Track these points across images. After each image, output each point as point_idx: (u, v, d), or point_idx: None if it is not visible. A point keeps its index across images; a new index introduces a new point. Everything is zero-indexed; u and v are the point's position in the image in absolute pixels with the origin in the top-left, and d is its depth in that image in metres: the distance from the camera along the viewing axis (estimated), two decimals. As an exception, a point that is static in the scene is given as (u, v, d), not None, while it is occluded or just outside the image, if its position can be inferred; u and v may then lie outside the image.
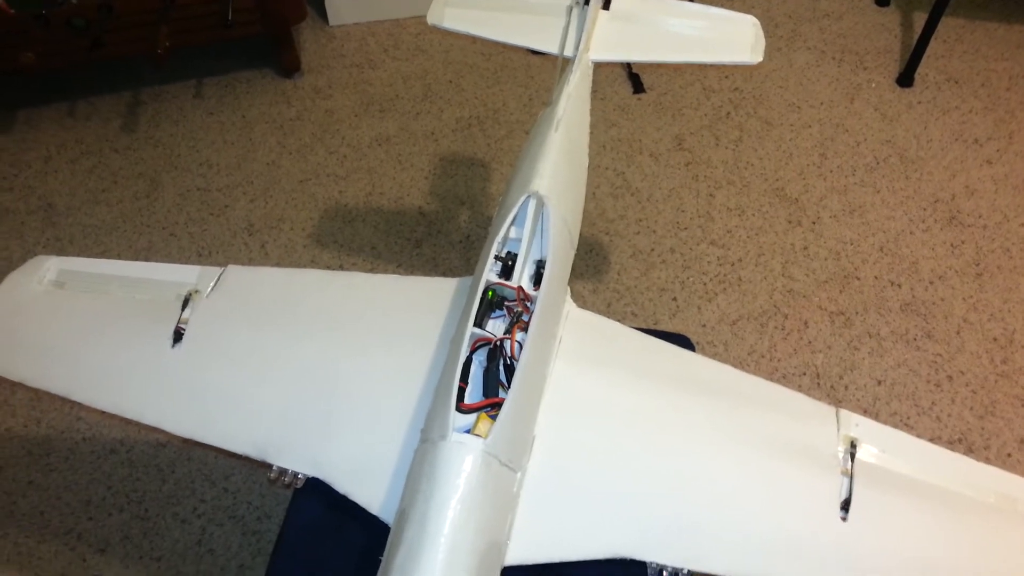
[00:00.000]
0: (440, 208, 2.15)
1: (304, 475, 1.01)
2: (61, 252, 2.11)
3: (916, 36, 2.41)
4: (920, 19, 2.49)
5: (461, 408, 0.90)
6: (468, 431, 0.89)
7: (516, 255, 1.03)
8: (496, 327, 1.00)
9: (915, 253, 1.98)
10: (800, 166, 2.20)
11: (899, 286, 1.92)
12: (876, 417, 1.69)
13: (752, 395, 1.07)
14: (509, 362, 0.95)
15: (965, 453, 1.62)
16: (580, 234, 2.05)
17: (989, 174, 2.15)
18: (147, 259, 2.08)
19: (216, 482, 1.67)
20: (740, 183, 2.17)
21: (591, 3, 1.28)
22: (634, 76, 2.46)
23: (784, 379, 1.76)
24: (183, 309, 1.12)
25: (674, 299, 1.92)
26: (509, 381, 0.92)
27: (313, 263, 2.05)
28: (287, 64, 2.52)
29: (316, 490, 1.01)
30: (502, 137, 2.32)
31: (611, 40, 1.29)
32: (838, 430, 1.03)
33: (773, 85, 2.44)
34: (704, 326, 1.86)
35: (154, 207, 2.21)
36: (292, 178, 2.25)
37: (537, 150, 1.10)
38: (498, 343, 0.96)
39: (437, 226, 2.11)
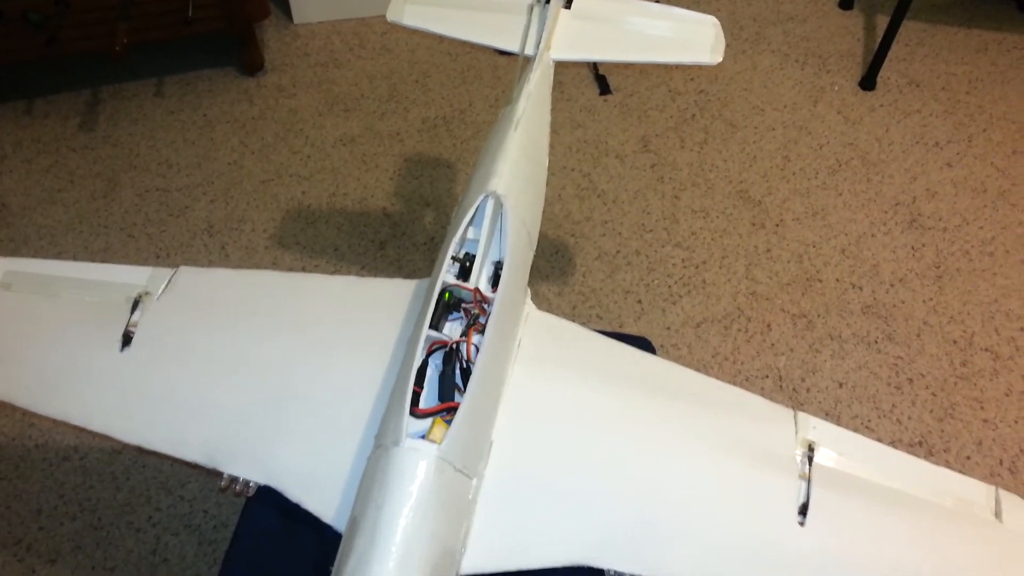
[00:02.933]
0: (405, 209, 2.13)
1: (256, 483, 0.98)
2: (15, 253, 2.06)
3: (879, 39, 2.44)
4: (883, 23, 2.52)
5: (415, 413, 0.88)
6: (423, 436, 0.87)
7: (474, 256, 1.02)
8: (453, 329, 0.98)
9: (876, 256, 2.00)
10: (764, 168, 2.21)
11: (860, 288, 1.93)
12: (837, 420, 1.71)
13: (711, 398, 1.07)
14: (465, 365, 0.94)
15: (925, 456, 1.64)
16: (546, 236, 2.06)
17: (949, 177, 2.18)
18: (104, 261, 2.03)
19: (172, 490, 1.64)
20: (705, 185, 2.17)
21: (552, 2, 1.27)
22: (600, 77, 2.46)
23: (747, 381, 1.76)
24: (132, 311, 1.10)
25: (639, 301, 1.91)
26: (466, 385, 0.90)
27: (275, 264, 2.01)
28: (250, 62, 2.49)
29: (268, 498, 0.98)
30: (468, 138, 2.31)
31: (572, 39, 1.28)
32: (796, 433, 1.03)
33: (738, 87, 2.45)
34: (668, 328, 1.86)
35: (111, 207, 2.16)
36: (254, 178, 2.22)
37: (496, 149, 1.08)
38: (454, 346, 0.94)
39: (401, 227, 2.09)
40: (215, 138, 2.33)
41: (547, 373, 1.05)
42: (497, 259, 1.03)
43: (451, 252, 1.01)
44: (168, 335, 1.08)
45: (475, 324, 0.96)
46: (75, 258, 2.04)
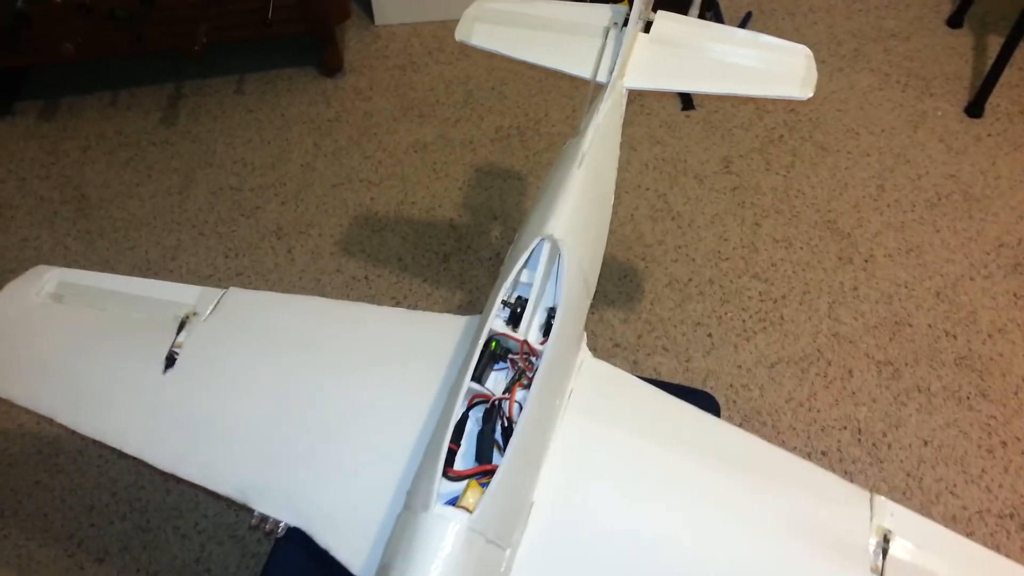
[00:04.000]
0: (472, 222, 2.08)
1: (286, 524, 0.94)
2: (91, 245, 2.10)
3: (990, 62, 2.25)
4: (995, 43, 2.33)
5: (449, 475, 0.82)
6: (455, 501, 0.81)
7: (526, 300, 0.95)
8: (499, 380, 0.92)
9: (974, 302, 1.84)
10: (855, 198, 2.07)
11: (955, 337, 1.78)
12: (920, 481, 1.58)
13: (779, 471, 0.98)
14: (507, 423, 0.87)
15: (1017, 530, 1.50)
16: (614, 258, 1.97)
17: (1062, 218, 2.00)
18: (175, 258, 2.05)
19: (220, 498, 1.62)
20: (789, 212, 2.05)
21: (630, 24, 1.18)
22: (684, 92, 2.35)
23: (823, 431, 1.65)
24: (179, 332, 1.08)
25: (709, 335, 1.81)
26: (507, 444, 0.84)
27: (339, 272, 1.99)
28: (329, 63, 2.48)
29: (298, 539, 0.95)
30: (541, 150, 2.24)
31: (649, 66, 1.19)
32: (871, 519, 0.93)
33: (831, 108, 2.31)
34: (740, 367, 1.75)
35: (186, 204, 2.18)
36: (325, 182, 2.20)
37: (557, 187, 1.02)
38: (496, 402, 0.88)
39: (467, 240, 2.04)
40: (290, 139, 2.32)
41: (598, 430, 0.98)
42: (551, 305, 0.97)
43: (502, 296, 0.95)
44: (212, 359, 1.06)
45: (520, 380, 0.90)
46: (147, 253, 2.07)
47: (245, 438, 0.99)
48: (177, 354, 1.06)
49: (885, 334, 1.79)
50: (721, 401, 1.70)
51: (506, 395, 0.88)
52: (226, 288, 1.12)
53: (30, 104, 2.45)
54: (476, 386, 0.88)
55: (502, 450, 0.85)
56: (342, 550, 0.91)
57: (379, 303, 1.92)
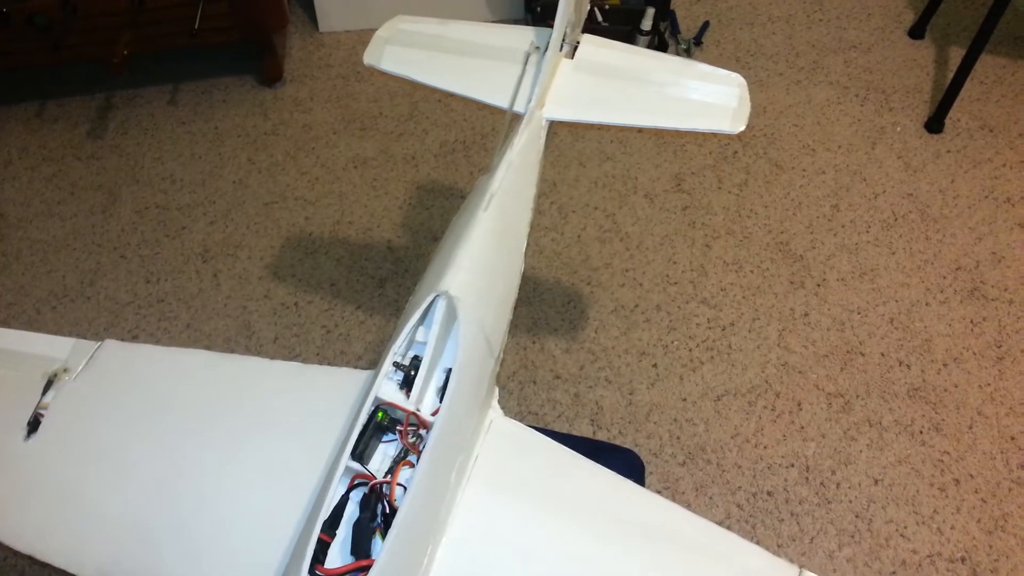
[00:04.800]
0: (410, 243, 1.98)
1: (151, 614, 0.85)
2: (5, 269, 1.98)
3: (951, 74, 2.19)
4: (957, 55, 2.27)
5: (317, 572, 0.73)
6: (327, 600, 0.72)
7: (420, 360, 0.86)
8: (386, 455, 0.83)
9: (929, 329, 1.77)
10: (809, 218, 2.00)
11: (908, 367, 1.71)
12: (870, 524, 1.50)
13: (702, 545, 0.89)
14: (391, 508, 0.78)
15: (968, 575, 1.42)
16: (559, 283, 1.88)
17: (1021, 239, 1.93)
18: (93, 283, 1.93)
19: None
20: (741, 233, 1.97)
21: (550, 49, 1.09)
22: (637, 105, 2.26)
23: (769, 470, 1.57)
24: (45, 391, 0.97)
25: (655, 365, 1.73)
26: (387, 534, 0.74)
27: (267, 297, 1.88)
28: (268, 72, 2.36)
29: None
30: (487, 166, 2.14)
31: (571, 95, 1.10)
32: (802, 598, 0.85)
33: (788, 123, 2.23)
34: (685, 400, 1.67)
35: (108, 224, 2.06)
36: (257, 200, 2.09)
37: (459, 235, 0.92)
38: (377, 487, 0.78)
39: (404, 264, 1.94)
40: (223, 153, 2.21)
41: (504, 503, 0.89)
42: (450, 365, 0.87)
43: (393, 358, 0.86)
44: (79, 424, 0.96)
45: (407, 458, 0.80)
46: (64, 278, 1.95)
47: (111, 514, 0.90)
48: (42, 416, 0.96)
49: (836, 364, 1.71)
50: (664, 436, 1.62)
51: (387, 478, 0.78)
52: (102, 341, 1.02)
53: (-53, 115, 2.31)
54: (356, 465, 0.79)
55: (381, 543, 0.75)
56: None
57: (308, 331, 1.83)
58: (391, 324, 1.83)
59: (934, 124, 2.19)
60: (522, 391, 1.69)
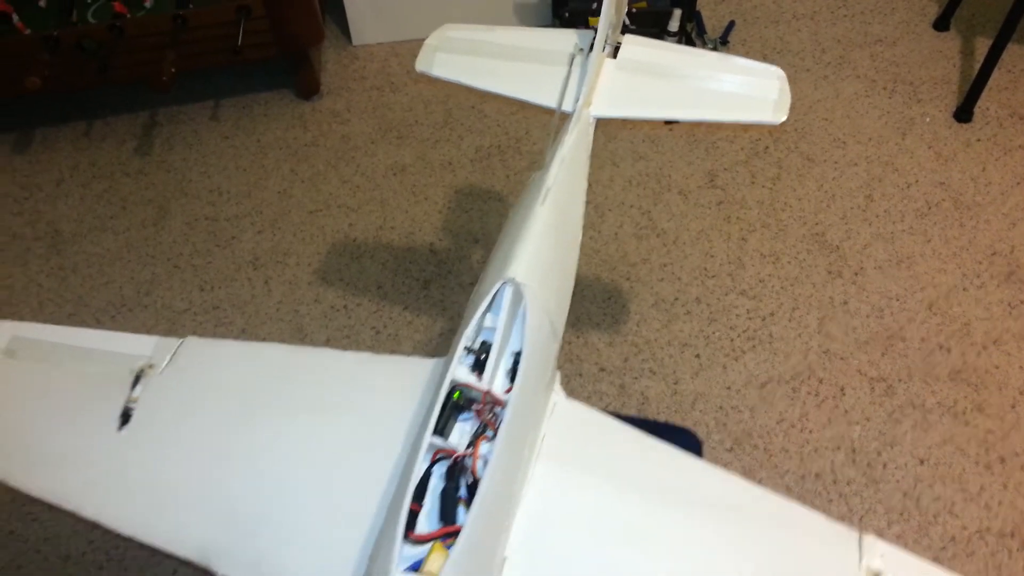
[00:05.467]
0: (452, 245, 2.03)
1: (249, 586, 0.90)
2: (64, 282, 2.05)
3: (978, 65, 2.21)
4: (983, 45, 2.29)
5: (410, 538, 0.78)
6: (418, 566, 0.77)
7: (491, 345, 0.91)
8: (463, 432, 0.88)
9: (968, 313, 1.80)
10: (843, 209, 2.03)
11: (948, 350, 1.73)
12: (917, 502, 1.53)
13: (763, 514, 0.93)
14: (473, 479, 0.83)
15: (1019, 549, 1.45)
16: (598, 279, 1.93)
17: (1055, 223, 1.96)
18: (149, 292, 2.01)
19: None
20: (776, 226, 2.00)
21: (595, 50, 1.14)
22: (667, 105, 2.31)
23: (816, 452, 1.60)
24: (134, 386, 1.03)
25: (697, 356, 1.77)
26: (472, 502, 0.79)
27: (317, 302, 1.95)
28: (306, 86, 2.44)
29: (263, 603, 0.90)
30: (522, 169, 2.20)
31: (616, 93, 1.15)
32: (860, 560, 0.89)
33: (817, 117, 2.26)
34: (729, 388, 1.70)
35: (160, 236, 2.13)
36: (302, 208, 2.16)
37: (519, 226, 0.97)
38: (459, 459, 0.83)
39: (448, 265, 1.99)
40: (267, 165, 2.28)
41: (572, 478, 0.93)
42: (518, 349, 0.92)
43: (464, 342, 0.91)
44: (168, 415, 1.01)
45: (484, 433, 0.85)
46: (121, 289, 2.02)
47: (205, 498, 0.95)
48: (133, 410, 1.01)
49: (877, 349, 1.74)
50: (711, 424, 1.65)
51: (469, 450, 0.83)
52: (183, 337, 1.08)
53: (2, 137, 2.40)
54: (438, 440, 0.84)
55: (467, 511, 0.80)
56: (306, 615, 0.87)
57: (358, 333, 1.88)
58: (437, 324, 1.88)
59: (963, 114, 2.21)
60: (568, 384, 1.74)
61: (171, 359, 1.05)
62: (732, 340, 1.79)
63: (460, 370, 0.89)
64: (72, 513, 0.98)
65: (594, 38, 1.16)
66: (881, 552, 0.89)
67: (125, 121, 2.43)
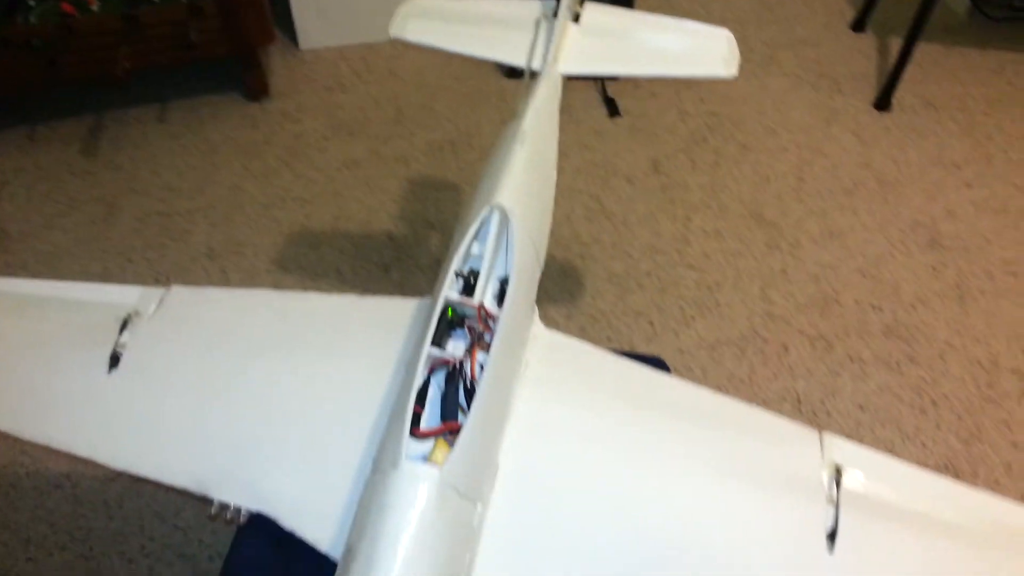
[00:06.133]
0: (409, 232, 2.09)
1: (247, 510, 0.92)
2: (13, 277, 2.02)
3: (892, 61, 2.40)
4: (896, 44, 2.49)
5: (415, 434, 0.83)
6: (424, 459, 0.81)
7: (478, 272, 0.97)
8: (456, 347, 0.93)
9: (896, 277, 1.94)
10: (778, 190, 2.16)
11: (880, 310, 1.87)
12: (860, 444, 1.63)
13: (731, 419, 1.01)
14: (469, 385, 0.88)
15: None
16: (554, 258, 2.00)
17: (969, 197, 2.12)
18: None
19: (166, 519, 1.57)
20: (717, 207, 2.12)
21: (559, 15, 1.23)
22: (609, 100, 2.42)
23: (764, 405, 1.67)
24: (121, 332, 1.04)
25: (651, 323, 1.85)
26: (470, 405, 0.84)
27: (276, 287, 1.96)
28: (254, 88, 2.47)
29: (261, 526, 0.92)
30: (474, 161, 2.27)
31: (581, 52, 1.23)
32: (822, 455, 0.96)
33: (750, 110, 2.41)
34: (681, 351, 1.79)
35: (111, 232, 2.12)
36: (256, 202, 2.18)
37: (500, 163, 1.04)
38: (457, 364, 0.88)
39: (406, 250, 2.04)
40: (217, 163, 2.30)
41: (556, 395, 0.99)
42: (502, 276, 0.98)
43: (454, 267, 0.96)
44: (158, 356, 1.03)
45: (479, 342, 0.91)
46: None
47: (199, 430, 0.97)
48: (121, 353, 1.02)
49: (816, 311, 1.86)
50: (667, 387, 1.73)
51: (467, 356, 0.88)
52: (168, 286, 1.10)
53: (-59, 141, 2.36)
54: (437, 351, 0.89)
55: (466, 412, 0.85)
56: (308, 529, 0.90)
57: (321, 315, 1.91)
58: (399, 305, 1.92)
59: (882, 103, 2.39)
60: (529, 355, 1.80)
61: (158, 306, 1.07)
62: (682, 308, 1.88)
63: (451, 292, 0.95)
64: (65, 452, 0.99)
65: (557, 5, 1.25)
66: (840, 447, 0.97)
67: (70, 125, 2.42)
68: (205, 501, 0.94)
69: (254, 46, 2.38)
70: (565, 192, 2.16)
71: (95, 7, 2.14)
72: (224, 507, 0.92)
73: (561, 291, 1.93)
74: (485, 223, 0.97)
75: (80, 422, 0.99)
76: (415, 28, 1.29)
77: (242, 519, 0.92)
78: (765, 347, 1.80)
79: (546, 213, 1.12)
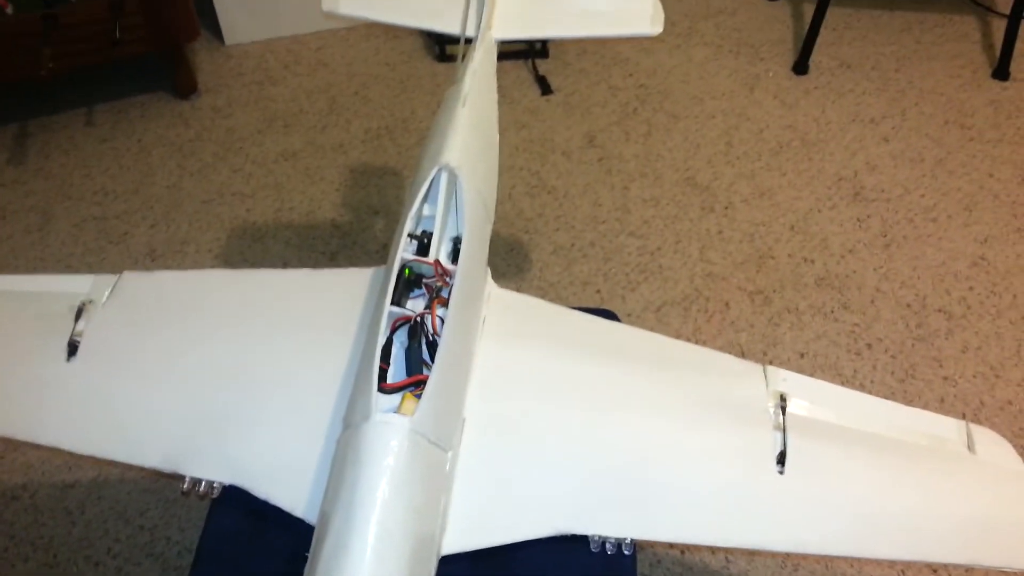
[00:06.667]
0: (354, 219, 2.10)
1: (220, 483, 0.94)
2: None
3: (807, 26, 2.49)
4: (809, 10, 2.58)
5: (383, 388, 0.85)
6: (394, 412, 0.84)
7: (431, 233, 1.00)
8: (416, 305, 0.96)
9: (824, 230, 2.03)
10: (708, 155, 2.24)
11: (812, 262, 1.95)
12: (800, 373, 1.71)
13: (680, 359, 1.06)
14: (431, 338, 0.91)
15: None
16: (499, 234, 2.04)
17: (887, 150, 2.23)
18: (42, 293, 1.95)
19: (130, 520, 1.56)
20: (652, 175, 2.19)
21: (490, -18, 1.26)
22: (541, 79, 2.47)
23: (711, 360, 1.76)
24: (76, 320, 1.04)
25: (598, 291, 1.91)
26: (433, 358, 0.87)
27: (223, 284, 1.95)
28: (182, 85, 2.44)
29: (234, 498, 0.94)
30: (412, 145, 2.29)
31: (512, 18, 1.27)
32: (767, 386, 1.03)
33: (676, 80, 2.48)
34: (629, 315, 1.85)
35: (47, 240, 2.08)
36: (195, 199, 2.16)
37: (445, 125, 1.07)
38: (418, 319, 0.91)
39: (352, 237, 2.05)
40: (151, 163, 2.27)
41: (514, 347, 1.03)
42: (455, 235, 1.02)
43: (407, 230, 0.99)
44: (116, 341, 1.03)
45: (438, 297, 0.94)
46: (11, 293, 1.96)
47: (165, 409, 0.98)
48: (79, 341, 1.02)
49: (752, 268, 1.94)
50: (617, 349, 1.79)
51: (427, 311, 0.92)
52: (119, 273, 1.10)
53: None
54: (397, 309, 0.92)
55: (430, 365, 0.88)
56: (282, 496, 0.92)
57: (271, 306, 1.91)
58: (348, 290, 1.94)
59: (800, 67, 2.49)
60: (482, 329, 1.83)
61: (111, 293, 1.07)
62: (627, 274, 1.94)
63: (406, 253, 0.98)
64: (29, 443, 0.99)
65: (487, -26, 1.28)
66: (783, 377, 1.03)
67: (-8, 134, 2.36)
68: (175, 479, 0.95)
69: (180, 42, 2.35)
70: (506, 170, 2.19)
71: (8, 9, 2.09)
72: (196, 483, 0.93)
73: (509, 266, 1.97)
74: (435, 183, 1.00)
75: (43, 412, 0.99)
76: (348, 2, 1.30)
77: (215, 493, 0.94)
78: (708, 305, 1.87)
79: (493, 171, 1.16)
